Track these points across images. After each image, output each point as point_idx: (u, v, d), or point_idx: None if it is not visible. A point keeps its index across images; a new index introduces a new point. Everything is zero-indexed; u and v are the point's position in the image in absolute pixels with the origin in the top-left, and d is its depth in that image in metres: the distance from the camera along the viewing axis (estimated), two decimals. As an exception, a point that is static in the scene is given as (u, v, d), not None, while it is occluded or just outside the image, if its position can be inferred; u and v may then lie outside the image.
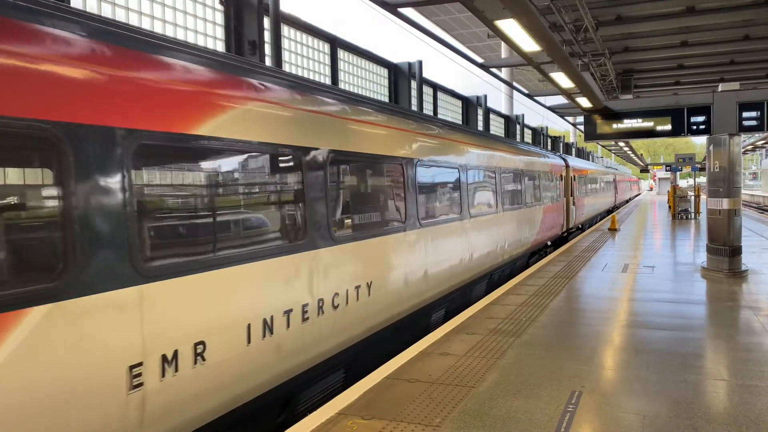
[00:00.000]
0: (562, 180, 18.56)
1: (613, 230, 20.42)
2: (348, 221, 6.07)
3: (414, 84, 17.02)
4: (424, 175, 7.96)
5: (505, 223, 11.65)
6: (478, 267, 9.99)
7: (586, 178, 24.68)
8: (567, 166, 19.81)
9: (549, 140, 38.78)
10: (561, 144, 42.70)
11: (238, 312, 4.25)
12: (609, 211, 35.40)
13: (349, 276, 5.77)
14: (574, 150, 48.60)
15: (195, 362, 3.81)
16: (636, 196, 68.73)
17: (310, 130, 5.18)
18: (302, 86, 5.39)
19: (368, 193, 6.94)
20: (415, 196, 7.53)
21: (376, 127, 6.70)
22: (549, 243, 16.94)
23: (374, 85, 15.90)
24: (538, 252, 15.66)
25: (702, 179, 35.68)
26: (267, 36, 10.01)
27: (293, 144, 4.92)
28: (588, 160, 49.15)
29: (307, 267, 5.04)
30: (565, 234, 19.45)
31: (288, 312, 4.72)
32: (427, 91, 19.47)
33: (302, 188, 5.03)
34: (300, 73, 12.17)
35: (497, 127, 27.99)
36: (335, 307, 5.47)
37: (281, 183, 5.04)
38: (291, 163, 5.00)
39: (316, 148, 5.24)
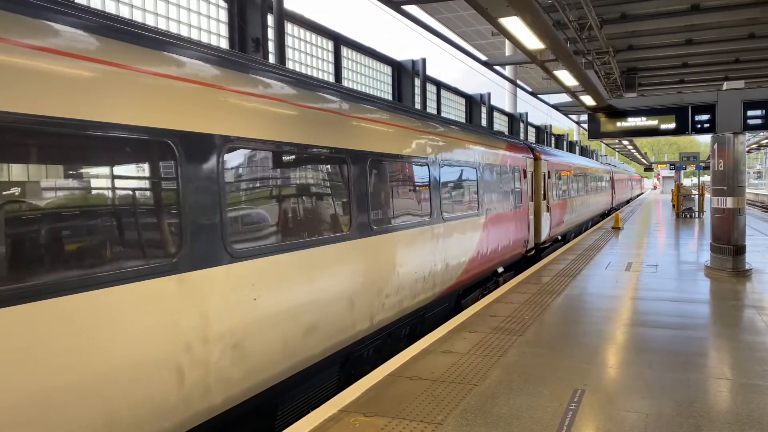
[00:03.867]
0: (525, 177, 13.55)
1: (616, 229, 20.38)
2: None
3: (417, 82, 17.01)
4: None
5: (381, 254, 6.54)
6: (296, 353, 5.00)
7: (569, 176, 19.59)
8: (537, 158, 14.90)
9: (552, 138, 38.74)
10: (564, 142, 42.66)
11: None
12: (604, 215, 31.21)
13: None
14: (577, 148, 48.49)
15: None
16: (638, 195, 67.46)
17: None
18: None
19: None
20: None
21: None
22: (500, 270, 11.65)
23: (378, 83, 15.90)
24: (482, 284, 10.80)
25: (706, 178, 35.59)
26: (271, 33, 10.02)
27: None
28: (592, 158, 48.52)
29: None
30: (532, 252, 14.38)
31: None
32: (431, 89, 19.47)
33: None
34: (303, 71, 12.17)
35: (501, 125, 27.94)
36: None
37: None
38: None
39: None
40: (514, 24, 6.67)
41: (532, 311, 7.84)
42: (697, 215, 25.64)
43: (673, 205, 28.52)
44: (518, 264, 13.42)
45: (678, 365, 5.48)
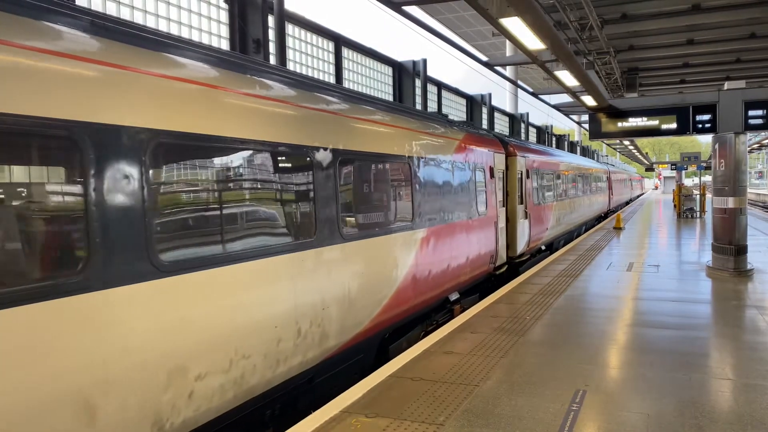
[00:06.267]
0: (492, 177, 11.06)
1: (617, 229, 20.37)
2: None
3: (418, 82, 17.02)
4: None
5: (188, 306, 3.89)
6: None
7: (556, 176, 16.96)
8: (512, 154, 12.49)
9: (554, 138, 38.74)
10: (566, 142, 42.64)
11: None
12: (600, 218, 28.59)
13: None
14: (579, 148, 48.45)
15: None
16: (638, 196, 66.79)
17: None
18: None
19: None
20: None
21: None
22: (454, 296, 9.07)
23: (379, 83, 15.90)
24: (428, 317, 8.32)
25: (707, 178, 35.58)
26: (271, 34, 10.03)
27: None
28: (593, 158, 48.29)
29: None
30: (504, 270, 11.85)
31: None
32: (432, 89, 19.47)
33: None
34: (304, 72, 12.18)
35: (502, 126, 27.92)
36: None
37: None
38: None
39: None
40: (514, 24, 6.68)
41: (533, 312, 7.83)
42: (698, 215, 25.63)
43: (675, 205, 28.50)
44: (487, 282, 11.04)
45: (680, 365, 5.48)
